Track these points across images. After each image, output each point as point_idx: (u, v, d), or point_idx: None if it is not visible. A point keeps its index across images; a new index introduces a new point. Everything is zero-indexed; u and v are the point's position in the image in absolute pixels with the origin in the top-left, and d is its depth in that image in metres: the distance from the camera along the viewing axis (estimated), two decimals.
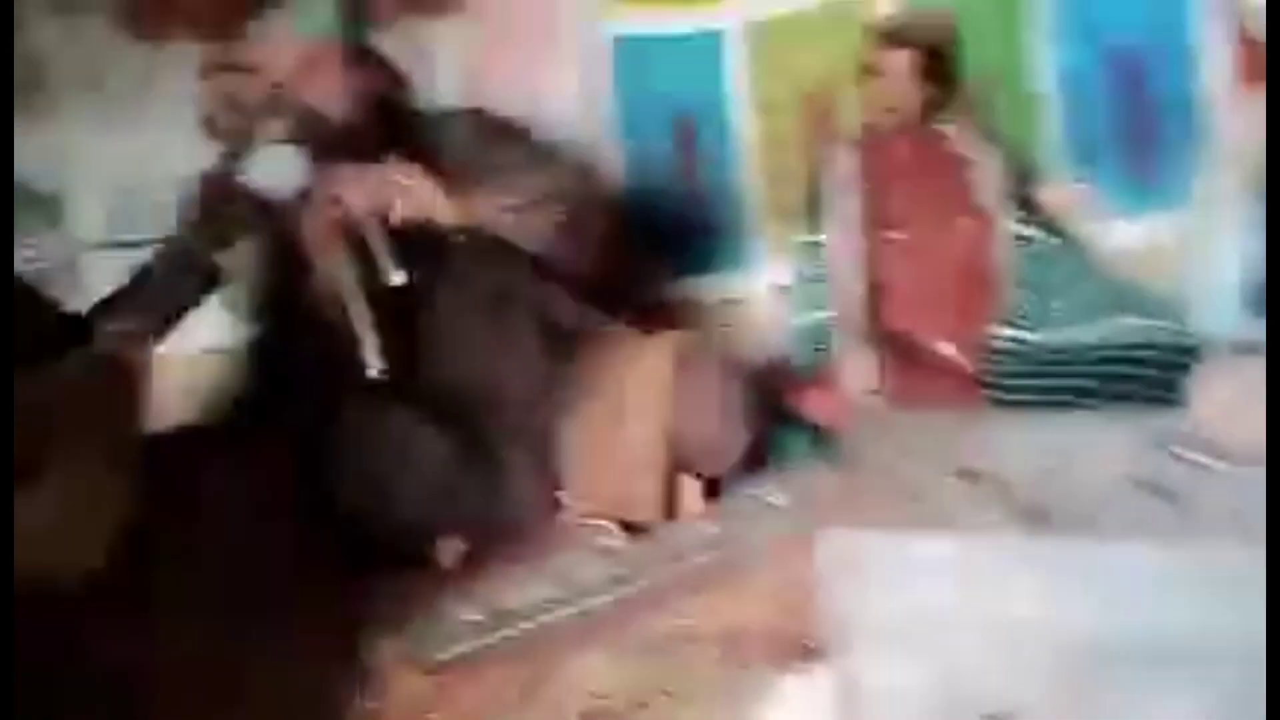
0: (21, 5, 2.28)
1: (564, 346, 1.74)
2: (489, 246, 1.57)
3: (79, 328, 1.46)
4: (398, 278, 1.39)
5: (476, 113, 1.73)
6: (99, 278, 2.02)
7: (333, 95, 1.53)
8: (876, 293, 1.95)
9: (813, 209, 2.04)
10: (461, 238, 1.60)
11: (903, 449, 1.61)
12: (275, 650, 1.32)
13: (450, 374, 1.65)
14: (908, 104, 1.92)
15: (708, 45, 2.19)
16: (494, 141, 1.65)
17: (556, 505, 1.59)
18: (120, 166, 2.30)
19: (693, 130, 2.22)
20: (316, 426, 1.51)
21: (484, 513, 1.55)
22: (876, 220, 1.99)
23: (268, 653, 1.29)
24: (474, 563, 1.50)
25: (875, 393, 1.75)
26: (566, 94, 2.23)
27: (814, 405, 1.76)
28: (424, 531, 1.50)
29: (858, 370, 1.79)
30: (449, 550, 1.50)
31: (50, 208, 2.39)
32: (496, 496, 1.56)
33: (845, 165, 2.03)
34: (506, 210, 1.48)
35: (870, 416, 1.73)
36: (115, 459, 1.27)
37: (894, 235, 1.99)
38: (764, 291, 2.23)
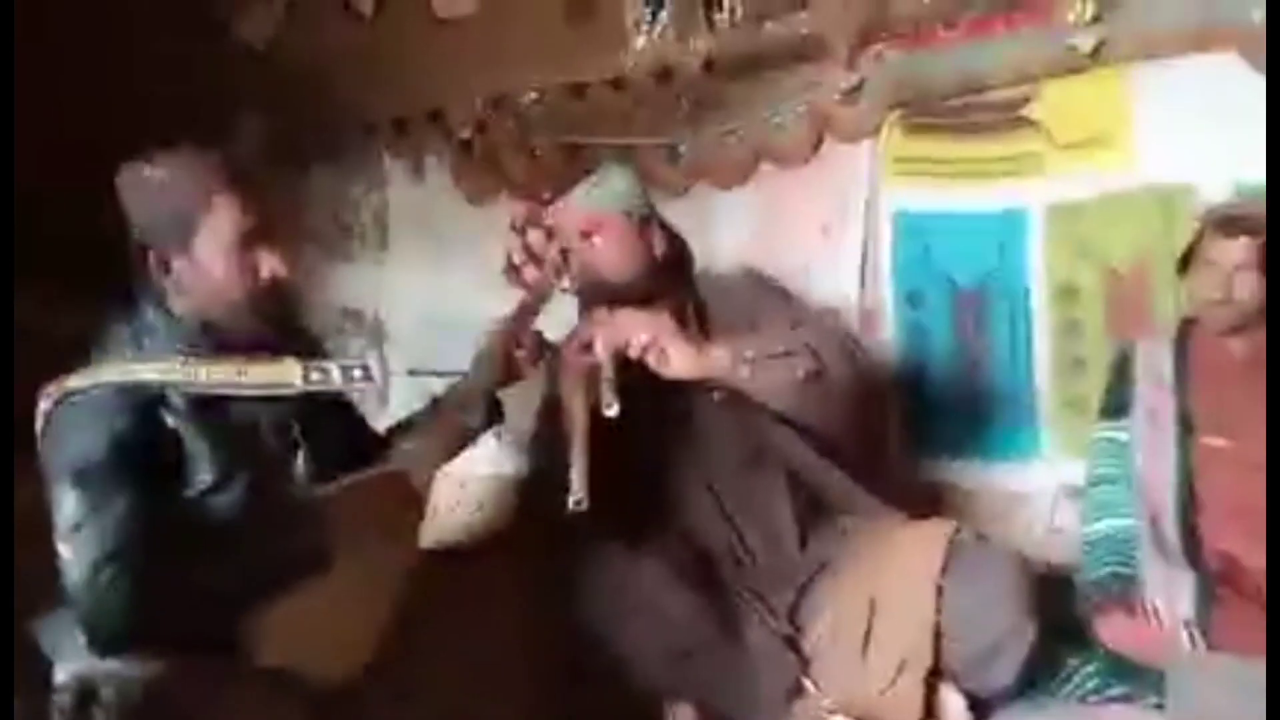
0: (390, 170, 2.71)
1: (819, 520, 1.65)
2: (744, 405, 1.54)
3: (379, 444, 1.59)
4: (612, 410, 1.40)
5: (746, 272, 1.77)
6: (399, 400, 2.25)
7: (613, 261, 1.64)
8: (1191, 505, 1.68)
9: (1115, 403, 1.82)
10: (715, 395, 1.59)
11: (1232, 698, 1.31)
12: None
13: (696, 534, 1.61)
14: (1242, 298, 1.70)
15: (1001, 223, 2.10)
16: (755, 297, 1.68)
17: (799, 691, 1.45)
18: (434, 298, 2.59)
19: (980, 309, 2.12)
20: (564, 563, 1.51)
21: (721, 686, 1.45)
22: (1195, 423, 1.74)
23: None
24: None
25: (1193, 625, 1.47)
26: (845, 267, 2.23)
27: (1113, 630, 1.51)
28: (658, 694, 1.42)
29: (1169, 594, 1.51)
30: (680, 717, 1.41)
31: (375, 332, 2.72)
32: (736, 670, 1.46)
33: (1158, 359, 1.81)
34: (746, 362, 1.45)
35: (1190, 655, 1.44)
36: (392, 565, 1.34)
37: (1216, 442, 1.72)
38: (1050, 489, 2.01)
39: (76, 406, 1.24)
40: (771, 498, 1.62)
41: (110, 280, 1.41)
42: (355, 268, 2.77)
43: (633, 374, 1.46)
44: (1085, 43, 1.97)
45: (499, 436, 2.41)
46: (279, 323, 1.37)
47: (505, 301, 2.29)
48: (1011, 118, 2.09)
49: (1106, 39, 1.96)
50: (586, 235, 1.63)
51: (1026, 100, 2.08)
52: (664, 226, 1.71)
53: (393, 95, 2.66)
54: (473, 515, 2.43)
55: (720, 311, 1.67)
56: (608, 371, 1.43)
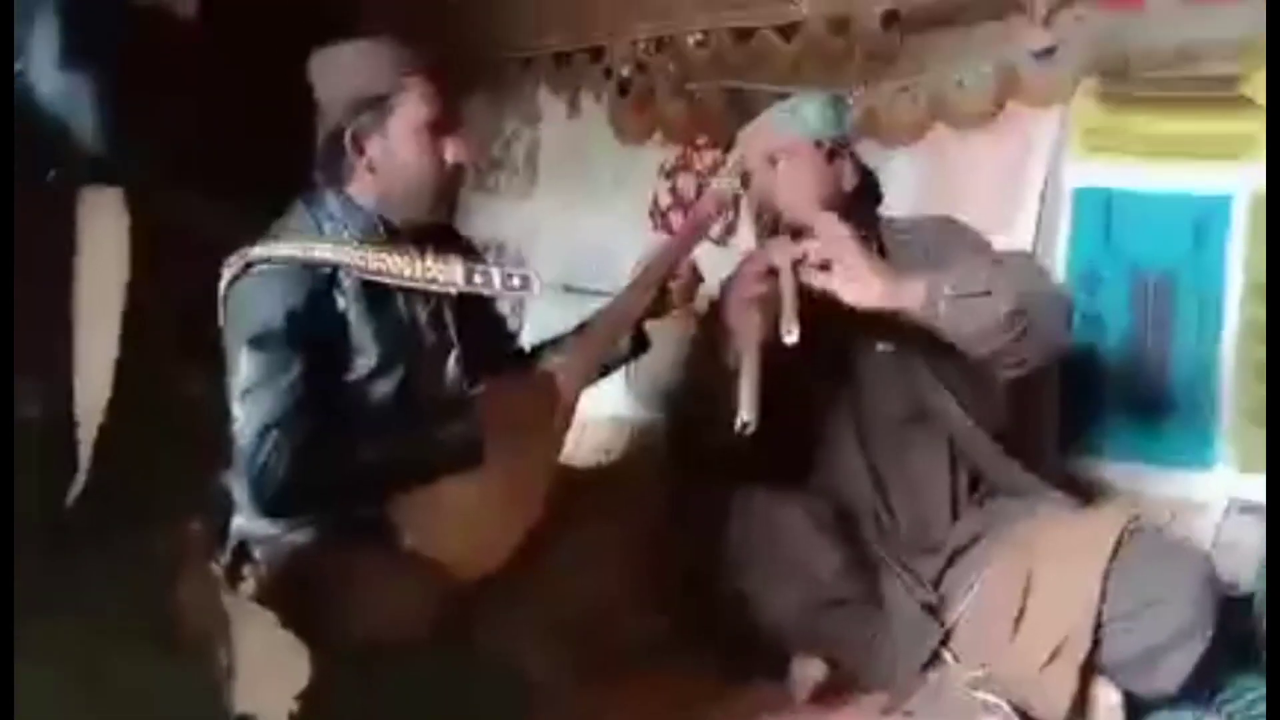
0: (546, 107, 2.70)
1: (976, 495, 1.56)
2: (912, 360, 1.47)
3: (524, 359, 1.59)
4: (792, 336, 1.32)
5: (946, 219, 1.66)
6: (539, 323, 2.25)
7: (797, 188, 1.56)
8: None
9: None
10: (888, 346, 1.51)
11: None
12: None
13: (847, 486, 1.54)
14: None
15: (1199, 209, 1.93)
16: (946, 241, 1.58)
17: (937, 661, 1.37)
18: (578, 237, 2.58)
19: (1164, 301, 1.95)
20: (705, 501, 1.47)
21: (855, 645, 1.38)
22: None
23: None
24: (830, 693, 1.33)
25: None
26: (1016, 244, 2.09)
27: None
28: (791, 643, 1.37)
29: None
30: (809, 670, 1.36)
31: (517, 266, 2.72)
32: (873, 631, 1.39)
33: None
34: (943, 298, 1.34)
35: None
36: (536, 469, 1.32)
37: None
38: (1220, 502, 1.85)
39: (257, 277, 1.28)
40: (929, 463, 1.54)
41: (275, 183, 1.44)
42: (502, 201, 2.79)
43: (808, 309, 1.38)
44: None
45: (629, 380, 2.41)
46: (450, 213, 1.38)
47: (647, 246, 2.28)
48: (1226, 95, 1.91)
49: None
50: (773, 161, 1.57)
51: (1245, 77, 1.90)
52: (856, 160, 1.63)
53: (554, 29, 2.65)
54: (594, 458, 2.42)
55: (905, 255, 1.57)
56: (789, 294, 1.36)
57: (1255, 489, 1.76)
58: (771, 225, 1.57)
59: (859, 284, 1.36)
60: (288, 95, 1.43)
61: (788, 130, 1.60)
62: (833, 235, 1.39)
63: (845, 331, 1.49)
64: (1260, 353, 1.88)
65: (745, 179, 1.61)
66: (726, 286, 1.54)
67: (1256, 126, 1.88)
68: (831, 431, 1.56)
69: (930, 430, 1.55)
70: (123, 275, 0.80)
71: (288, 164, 1.49)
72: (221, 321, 1.30)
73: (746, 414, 1.30)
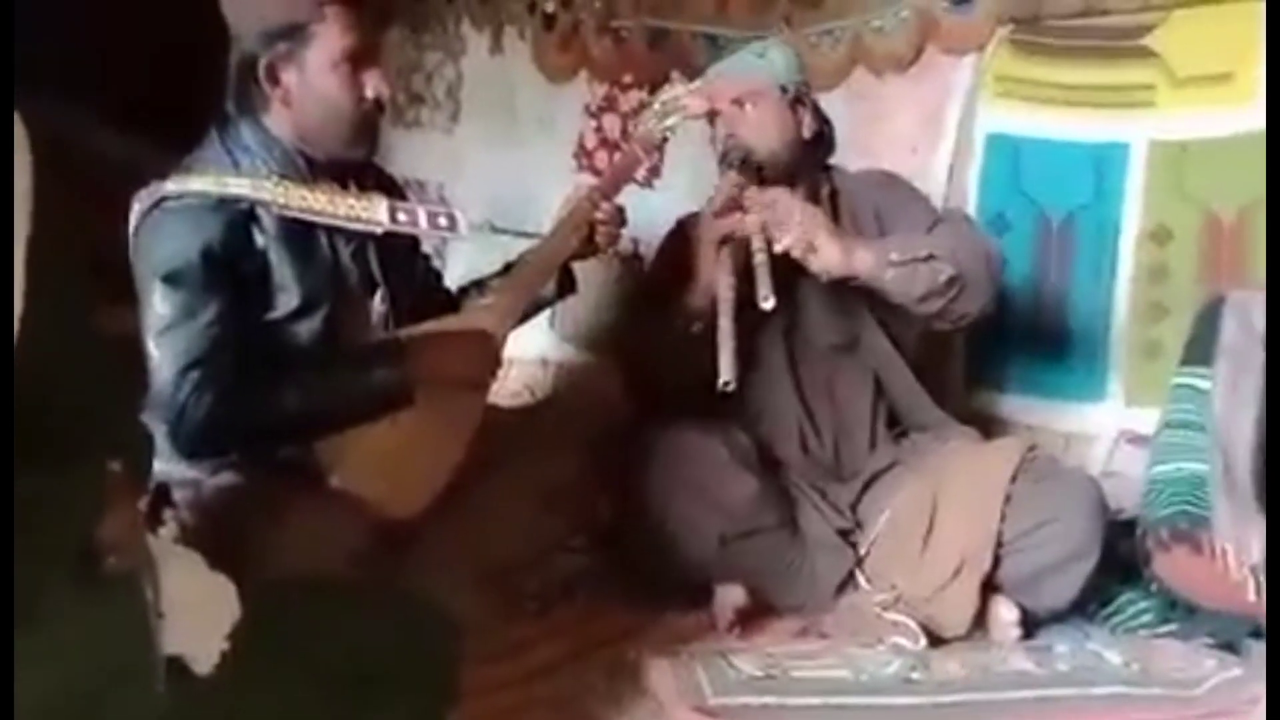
0: (470, 42, 2.63)
1: (890, 430, 1.64)
2: (848, 291, 1.54)
3: (449, 299, 1.58)
4: (769, 302, 1.38)
5: (889, 176, 1.74)
6: (462, 264, 2.23)
7: (762, 130, 1.61)
8: (1266, 458, 1.64)
9: (1200, 351, 1.77)
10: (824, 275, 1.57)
11: None
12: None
13: (776, 409, 1.60)
14: None
15: (1100, 155, 2.02)
16: (900, 201, 1.65)
17: (852, 585, 1.45)
18: (501, 176, 2.54)
19: (1066, 243, 2.05)
20: (625, 440, 1.50)
21: (773, 572, 1.45)
22: None
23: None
24: (751, 618, 1.40)
25: (1260, 572, 1.44)
26: (929, 185, 2.15)
27: (1175, 567, 1.48)
28: (712, 571, 1.42)
29: (1239, 539, 1.49)
30: (730, 597, 1.42)
31: (435, 200, 2.67)
32: (790, 558, 1.46)
33: (1251, 311, 1.75)
34: (891, 265, 1.43)
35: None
36: (463, 410, 1.33)
37: None
38: (1111, 433, 1.97)
39: (170, 212, 1.24)
40: (853, 392, 1.61)
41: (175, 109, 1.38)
42: (424, 138, 2.72)
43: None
44: None
45: (554, 321, 2.42)
46: (372, 150, 1.35)
47: (572, 186, 2.26)
48: (1130, 45, 1.99)
49: None
50: (738, 102, 1.61)
51: (1148, 28, 1.97)
52: (816, 109, 1.69)
53: None
54: (516, 399, 2.42)
55: (852, 202, 1.65)
56: (762, 259, 1.40)
57: (1141, 421, 1.87)
58: (737, 165, 1.59)
59: (818, 254, 1.43)
60: (199, 16, 1.36)
61: (756, 74, 1.64)
62: (800, 220, 1.45)
63: (792, 262, 1.55)
64: (1153, 294, 2.00)
65: (711, 118, 1.64)
66: (689, 223, 1.58)
67: (1155, 76, 1.97)
68: (766, 355, 1.62)
69: (857, 361, 1.63)
70: (27, 207, 0.77)
71: (200, 91, 1.43)
72: (132, 256, 1.25)
73: (725, 374, 1.35)
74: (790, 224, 1.41)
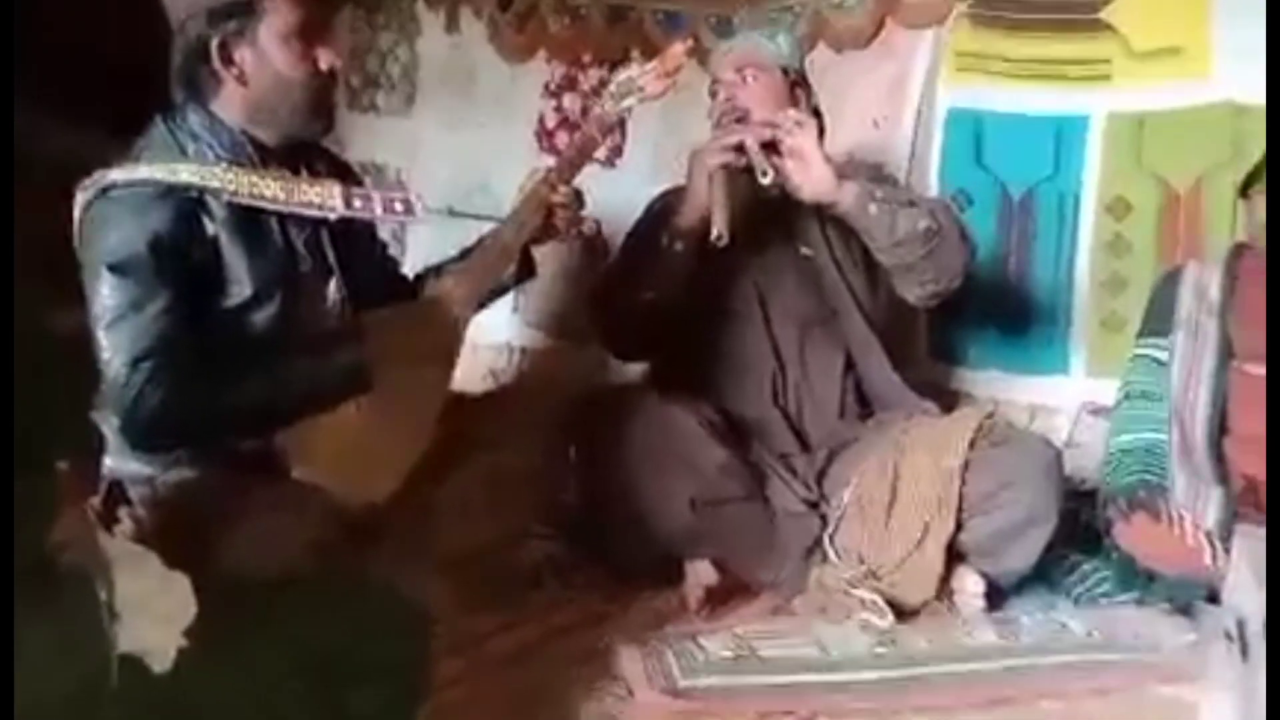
0: (425, 23, 2.58)
1: (858, 407, 1.65)
2: (826, 265, 1.61)
3: (407, 285, 1.55)
4: (723, 240, 1.44)
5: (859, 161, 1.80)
6: (421, 249, 2.20)
7: (761, 104, 1.62)
8: (1221, 428, 1.68)
9: (1158, 322, 1.79)
10: (809, 250, 1.64)
11: None
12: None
13: (752, 378, 1.61)
14: None
15: (1058, 128, 2.03)
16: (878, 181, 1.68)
17: (819, 556, 1.46)
18: (460, 158, 2.51)
19: (1027, 216, 2.06)
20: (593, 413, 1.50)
21: (741, 544, 1.46)
22: (1237, 349, 1.72)
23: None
24: (721, 597, 1.41)
25: (1216, 537, 1.47)
26: (892, 160, 2.16)
27: (1135, 535, 1.51)
28: (680, 544, 1.43)
29: (1195, 505, 1.52)
30: (700, 575, 1.42)
31: (392, 184, 2.63)
32: (758, 530, 1.47)
33: (1207, 282, 1.78)
34: (875, 200, 1.48)
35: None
36: (426, 396, 1.31)
37: (1256, 370, 1.70)
38: (1074, 405, 2.00)
39: (116, 201, 1.20)
40: (825, 365, 1.64)
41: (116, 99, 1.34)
42: (380, 121, 2.67)
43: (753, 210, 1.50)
44: None
45: (516, 307, 2.39)
46: (328, 125, 1.32)
47: (532, 167, 2.23)
48: (1087, 19, 2.00)
49: None
50: (743, 74, 1.64)
51: (1105, 2, 1.99)
52: (812, 98, 1.72)
53: None
54: (482, 384, 2.40)
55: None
56: (719, 197, 1.47)
57: (1103, 393, 1.90)
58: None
59: (809, 170, 1.47)
60: (137, 3, 1.32)
61: (762, 51, 1.69)
62: (798, 121, 1.51)
63: (774, 233, 1.61)
64: (1113, 266, 2.02)
65: (713, 88, 1.69)
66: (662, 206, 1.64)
67: (1112, 51, 1.99)
68: (744, 314, 1.64)
69: (830, 334, 1.65)
70: None
71: (144, 78, 1.39)
72: (77, 247, 1.21)
73: (719, 227, 1.44)
74: (786, 130, 1.47)
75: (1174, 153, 1.95)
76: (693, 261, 1.53)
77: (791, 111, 1.55)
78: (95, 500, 1.15)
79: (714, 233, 1.45)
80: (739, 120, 1.59)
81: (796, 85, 1.69)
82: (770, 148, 1.49)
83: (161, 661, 0.88)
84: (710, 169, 1.50)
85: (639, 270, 1.58)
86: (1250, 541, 1.20)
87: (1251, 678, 0.95)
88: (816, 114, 1.69)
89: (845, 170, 1.59)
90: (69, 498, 0.88)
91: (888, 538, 1.41)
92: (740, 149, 1.50)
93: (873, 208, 1.47)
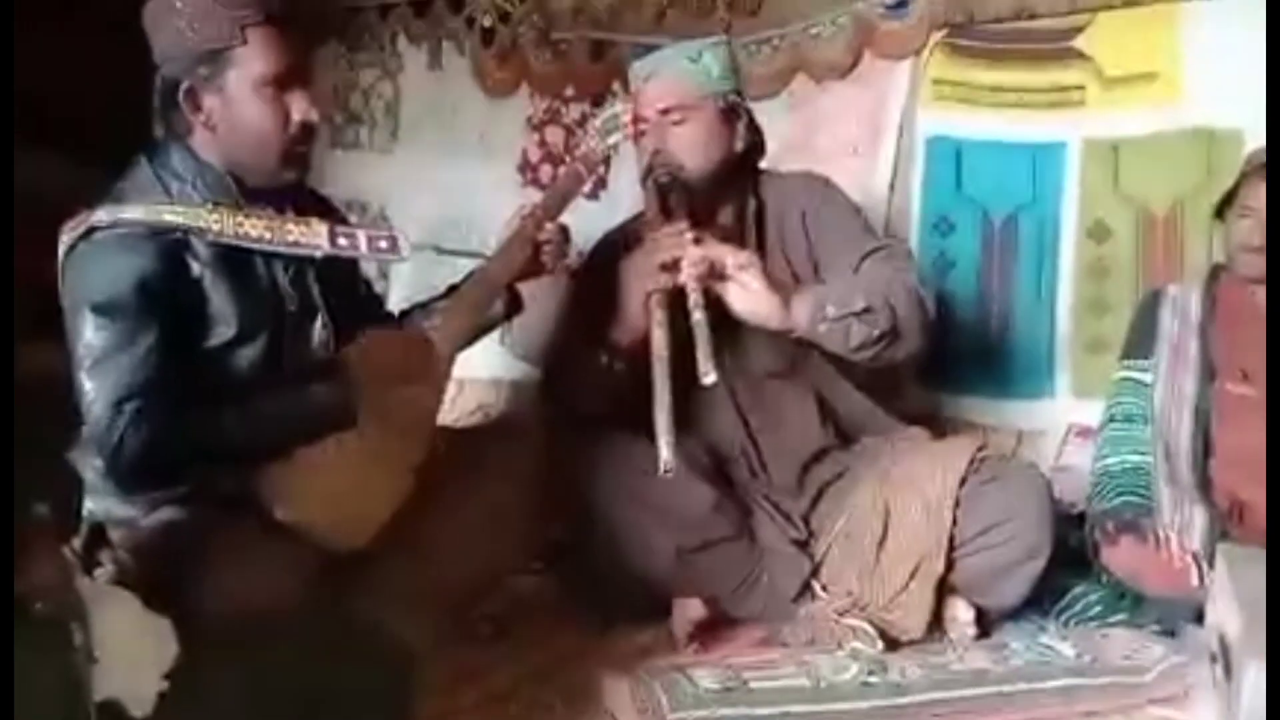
0: (407, 59, 2.60)
1: (840, 431, 1.64)
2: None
3: (393, 323, 1.55)
4: (710, 378, 1.31)
5: (822, 181, 1.68)
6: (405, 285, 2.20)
7: (694, 148, 1.54)
8: (1205, 448, 1.68)
9: (1140, 344, 1.81)
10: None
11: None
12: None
13: (720, 437, 1.58)
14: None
15: (1037, 155, 2.06)
16: (831, 217, 1.61)
17: (808, 594, 1.45)
18: (444, 195, 2.52)
19: (1009, 243, 2.08)
20: (581, 453, 1.49)
21: (730, 584, 1.44)
22: (1217, 369, 1.73)
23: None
24: (710, 631, 1.40)
25: (1202, 558, 1.47)
26: (873, 189, 2.18)
27: (1122, 557, 1.51)
28: (669, 585, 1.41)
29: (1181, 526, 1.52)
30: (688, 611, 1.41)
31: (380, 228, 2.63)
32: (746, 569, 1.45)
33: (1187, 303, 1.80)
34: (824, 320, 1.40)
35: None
36: (412, 433, 1.30)
37: (1238, 390, 1.71)
38: (1060, 429, 2.00)
39: (100, 243, 1.20)
40: (797, 414, 1.59)
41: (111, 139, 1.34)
42: (362, 158, 2.68)
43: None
44: None
45: (504, 341, 2.39)
46: (301, 174, 1.32)
47: (517, 202, 2.24)
48: (1060, 48, 2.04)
49: None
50: (666, 113, 1.53)
51: (1077, 30, 2.02)
52: (749, 119, 1.60)
53: None
54: (470, 419, 2.39)
55: (780, 207, 1.60)
56: (701, 320, 1.33)
57: (1089, 415, 1.90)
58: (662, 184, 1.52)
59: (755, 302, 1.39)
60: (128, 39, 1.32)
61: (689, 82, 1.54)
62: (741, 265, 1.40)
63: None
64: (1094, 290, 2.04)
65: (636, 126, 1.55)
66: (617, 241, 1.55)
67: (1086, 78, 2.02)
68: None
69: (798, 383, 1.60)
70: None
71: (128, 115, 1.39)
72: (60, 289, 1.21)
73: (668, 457, 1.27)
74: (731, 269, 1.38)
75: (1150, 177, 1.98)
76: (634, 376, 1.41)
77: (735, 256, 1.40)
78: (75, 542, 1.14)
79: (701, 372, 1.29)
80: (669, 180, 1.49)
81: (732, 113, 1.56)
82: (712, 273, 1.38)
83: (141, 706, 0.87)
84: (645, 293, 1.41)
85: (593, 331, 1.51)
86: (1230, 559, 1.20)
87: (1233, 697, 0.95)
88: (755, 134, 1.60)
89: (792, 284, 1.49)
90: (44, 542, 0.87)
91: (879, 575, 1.40)
92: (675, 266, 1.38)
93: (823, 327, 1.39)
